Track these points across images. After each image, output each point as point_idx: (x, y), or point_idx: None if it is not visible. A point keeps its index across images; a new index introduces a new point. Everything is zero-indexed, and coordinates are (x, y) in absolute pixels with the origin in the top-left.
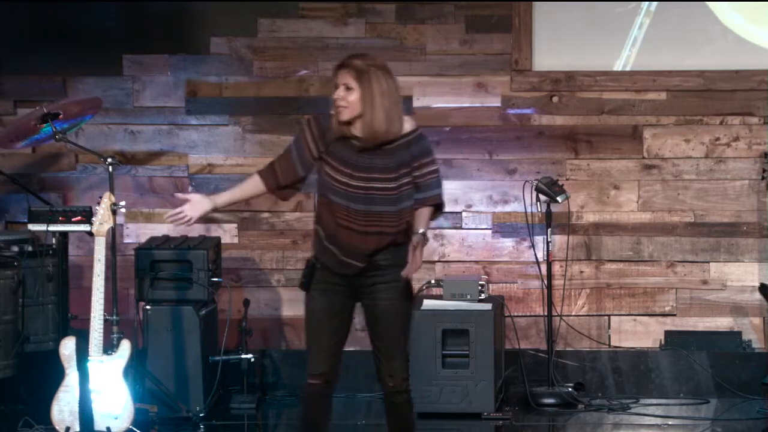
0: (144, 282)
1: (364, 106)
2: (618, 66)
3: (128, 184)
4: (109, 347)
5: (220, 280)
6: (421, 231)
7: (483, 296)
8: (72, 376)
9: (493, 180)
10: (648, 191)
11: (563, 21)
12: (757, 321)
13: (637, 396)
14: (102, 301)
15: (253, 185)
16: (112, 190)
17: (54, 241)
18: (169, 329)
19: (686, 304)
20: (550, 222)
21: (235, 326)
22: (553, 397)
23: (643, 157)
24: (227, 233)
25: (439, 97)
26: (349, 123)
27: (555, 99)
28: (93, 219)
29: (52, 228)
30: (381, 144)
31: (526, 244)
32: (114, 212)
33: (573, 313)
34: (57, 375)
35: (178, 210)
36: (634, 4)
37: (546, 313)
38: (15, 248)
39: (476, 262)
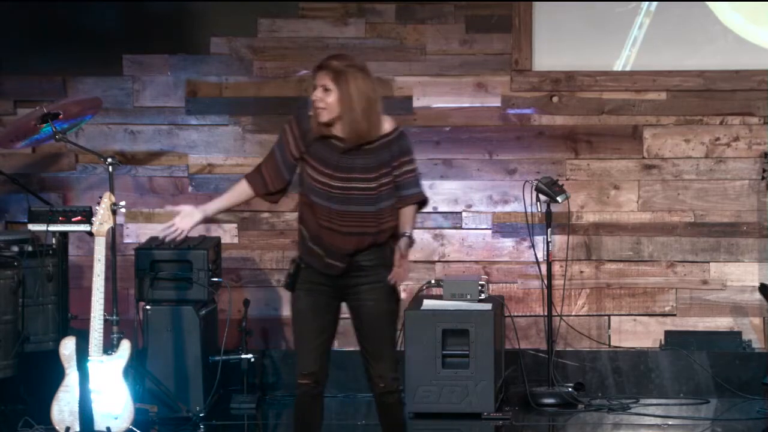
0: (144, 282)
1: (343, 107)
2: (618, 66)
3: (128, 184)
4: (109, 347)
5: (220, 280)
6: (407, 234)
7: (483, 296)
8: (72, 376)
9: (493, 180)
10: (648, 191)
11: (563, 21)
12: (757, 321)
13: (637, 396)
14: (102, 301)
15: (242, 191)
16: (112, 190)
17: (54, 241)
18: (169, 329)
19: (686, 304)
20: (550, 222)
21: (235, 326)
22: (553, 397)
23: (643, 157)
24: (227, 233)
25: (439, 97)
26: (329, 124)
27: (555, 99)
28: (93, 219)
29: (52, 228)
30: (362, 144)
31: (526, 244)
32: (114, 212)
33: (573, 313)
34: (57, 375)
35: (169, 224)
36: (634, 4)
37: (546, 313)
38: (15, 248)
39: (476, 262)
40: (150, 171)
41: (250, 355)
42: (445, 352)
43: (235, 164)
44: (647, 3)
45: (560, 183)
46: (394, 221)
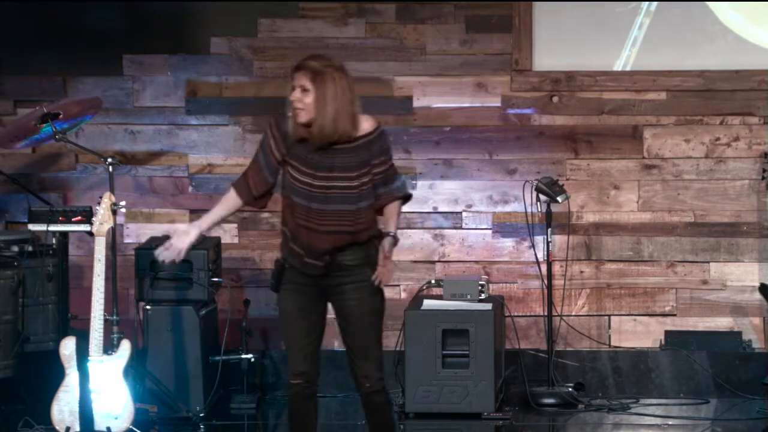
0: (144, 282)
1: (317, 107)
2: (618, 66)
3: (128, 184)
4: (109, 347)
5: (220, 280)
6: (391, 233)
7: (483, 296)
8: (72, 376)
9: (493, 180)
10: (648, 191)
11: (563, 21)
12: (757, 321)
13: (637, 396)
14: (102, 301)
15: (231, 201)
16: (112, 190)
17: (54, 241)
18: (169, 329)
19: (686, 304)
20: (550, 222)
21: (235, 326)
22: (553, 397)
23: (643, 157)
24: (227, 233)
25: (439, 97)
26: (307, 125)
27: (555, 99)
28: (93, 219)
29: (52, 228)
30: (336, 143)
31: (526, 244)
32: (114, 212)
33: (573, 313)
34: (57, 375)
35: (165, 245)
36: (634, 4)
37: (546, 313)
38: (15, 248)
39: (476, 262)
40: (150, 171)
41: (250, 355)
42: (445, 352)
43: (235, 164)
44: (647, 3)
45: (560, 183)
46: (373, 220)
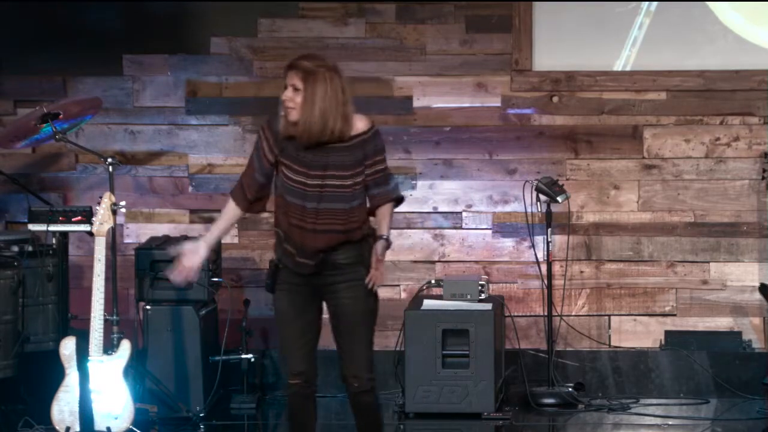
0: (144, 282)
1: (304, 106)
2: (618, 66)
3: (128, 184)
4: (109, 347)
5: (220, 280)
6: (384, 236)
7: (483, 296)
8: (72, 376)
9: (493, 180)
10: (648, 191)
11: (563, 21)
12: (757, 321)
13: (637, 396)
14: (102, 301)
15: (231, 211)
16: (112, 190)
17: (54, 241)
18: (169, 329)
19: (686, 304)
20: (550, 222)
21: (235, 326)
22: (553, 397)
23: (643, 157)
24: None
25: (439, 97)
26: (297, 123)
27: (555, 99)
28: (93, 219)
29: (52, 228)
30: (328, 142)
31: (526, 244)
32: (114, 212)
33: (573, 313)
34: (57, 375)
35: (177, 267)
36: (634, 4)
37: (546, 313)
38: (15, 248)
39: (476, 262)
40: (150, 171)
41: (250, 355)
42: (445, 352)
43: (235, 164)
44: (647, 3)
45: (560, 183)
46: (365, 219)
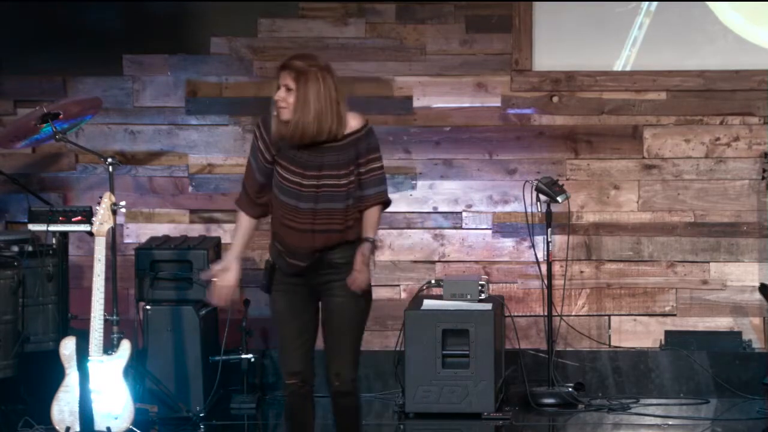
0: (144, 282)
1: (297, 106)
2: (618, 66)
3: (128, 184)
4: (109, 347)
5: None
6: (370, 238)
7: (483, 296)
8: (72, 376)
9: (493, 180)
10: (648, 191)
11: (563, 21)
12: (757, 321)
13: (637, 396)
14: (102, 301)
15: (244, 221)
16: (112, 190)
17: (54, 241)
18: (169, 329)
19: (686, 304)
20: (550, 222)
21: (235, 326)
22: (553, 397)
23: (643, 157)
24: (227, 233)
25: (439, 97)
26: (290, 123)
27: (555, 99)
28: (93, 219)
29: (52, 228)
30: (323, 142)
31: (526, 244)
32: (114, 212)
33: (573, 313)
34: (57, 375)
35: (213, 290)
36: (634, 4)
37: (546, 313)
38: (15, 248)
39: (476, 262)
40: (150, 171)
41: (250, 355)
42: (445, 352)
43: (235, 164)
44: (647, 3)
45: (560, 183)
46: (359, 219)
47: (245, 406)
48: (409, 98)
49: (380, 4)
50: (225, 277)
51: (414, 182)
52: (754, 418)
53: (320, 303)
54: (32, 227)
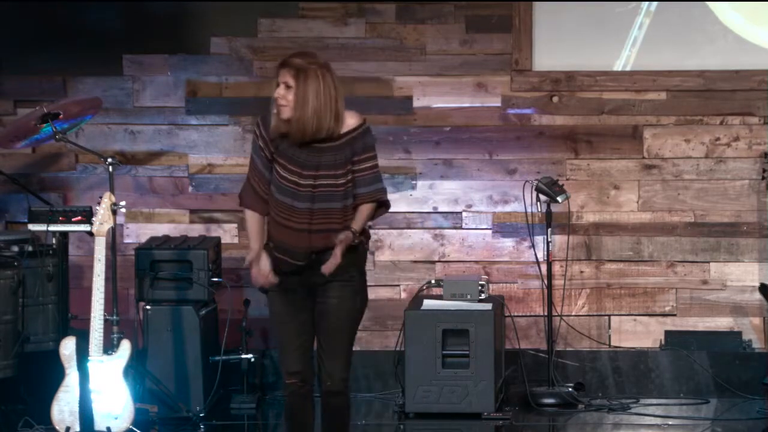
0: (144, 282)
1: (297, 104)
2: (618, 66)
3: (128, 184)
4: (109, 347)
5: (220, 280)
6: (353, 229)
7: (483, 296)
8: (72, 376)
9: (493, 180)
10: (648, 191)
11: (563, 21)
12: (757, 321)
13: (637, 396)
14: (102, 301)
15: (255, 220)
16: (112, 190)
17: (54, 241)
18: (169, 329)
19: (686, 304)
20: (550, 222)
21: (235, 326)
22: (553, 397)
23: (643, 157)
24: (227, 233)
25: (439, 97)
26: (290, 121)
27: (555, 99)
28: (93, 219)
29: (52, 228)
30: (321, 141)
31: (526, 244)
32: (114, 212)
33: (573, 313)
34: (57, 375)
35: (253, 276)
36: (634, 4)
37: (546, 313)
38: (15, 248)
39: (476, 262)
40: (150, 171)
41: (250, 355)
42: (445, 352)
43: (235, 164)
44: (647, 3)
45: (560, 183)
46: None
47: (245, 406)
48: (409, 98)
49: (380, 4)
50: (260, 264)
51: (414, 182)
52: (754, 418)
53: (315, 302)
54: (32, 227)
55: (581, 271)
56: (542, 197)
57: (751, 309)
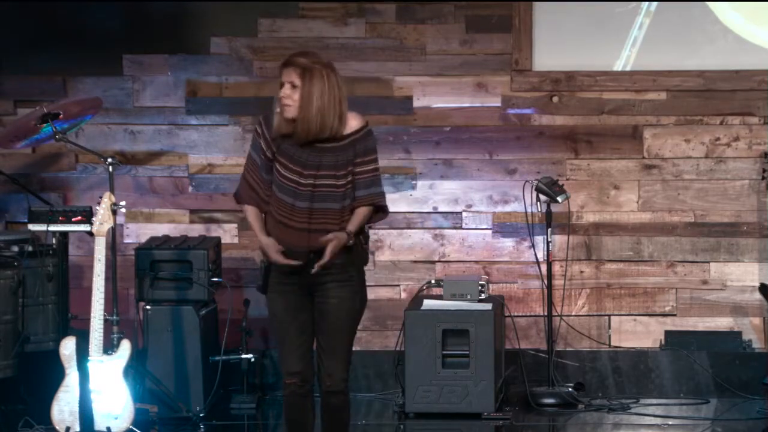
0: (144, 282)
1: (302, 103)
2: (618, 66)
3: (128, 184)
4: (109, 347)
5: (220, 280)
6: (348, 231)
7: (483, 296)
8: (72, 376)
9: (494, 180)
10: (648, 191)
11: (563, 21)
12: (757, 321)
13: (637, 396)
14: (102, 301)
15: (257, 213)
16: (112, 190)
17: (54, 241)
18: (169, 329)
19: (686, 304)
20: (550, 222)
21: (235, 326)
22: (553, 397)
23: (643, 157)
24: (227, 233)
25: (439, 97)
26: (294, 120)
27: (555, 99)
28: (93, 219)
29: (52, 228)
30: (324, 141)
31: (526, 244)
32: (114, 212)
33: (573, 313)
34: (57, 375)
35: (274, 251)
36: (634, 4)
37: (546, 313)
38: (15, 248)
39: (476, 262)
40: (150, 171)
41: (250, 355)
42: (445, 352)
43: (235, 164)
44: (647, 3)
45: (560, 183)
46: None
47: (245, 406)
48: (409, 98)
49: (380, 4)
50: (271, 250)
51: (414, 182)
52: (754, 418)
53: (314, 302)
54: (32, 227)
55: (581, 271)
56: (542, 197)
57: (751, 309)
